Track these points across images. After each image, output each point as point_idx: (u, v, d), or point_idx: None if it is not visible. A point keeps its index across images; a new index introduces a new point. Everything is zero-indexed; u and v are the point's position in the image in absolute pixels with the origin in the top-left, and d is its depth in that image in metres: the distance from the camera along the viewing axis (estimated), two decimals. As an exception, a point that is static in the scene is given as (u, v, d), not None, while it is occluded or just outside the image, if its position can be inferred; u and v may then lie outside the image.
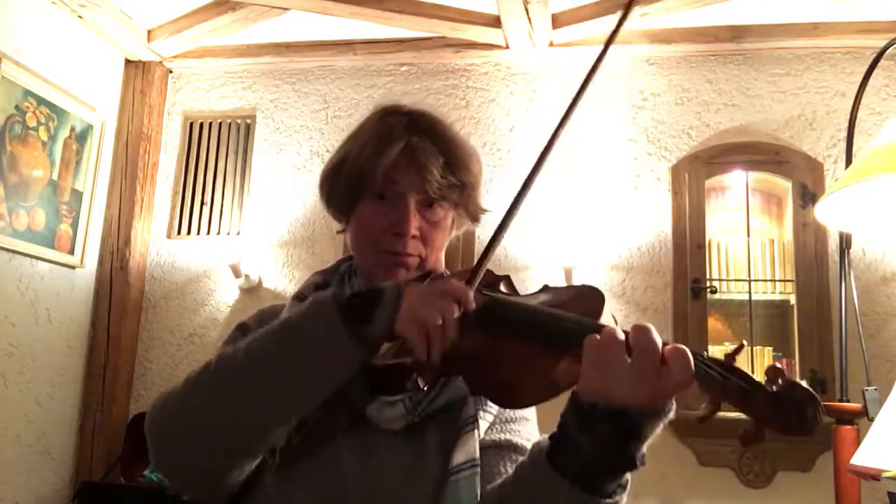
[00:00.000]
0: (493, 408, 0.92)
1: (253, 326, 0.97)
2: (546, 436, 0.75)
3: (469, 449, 0.85)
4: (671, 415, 0.68)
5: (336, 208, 1.02)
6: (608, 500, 0.69)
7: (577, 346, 0.69)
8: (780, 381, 0.63)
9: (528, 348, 0.77)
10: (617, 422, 0.66)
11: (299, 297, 0.98)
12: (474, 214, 1.03)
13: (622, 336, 0.68)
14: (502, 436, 0.90)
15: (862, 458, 1.53)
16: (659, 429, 0.68)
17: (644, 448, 0.69)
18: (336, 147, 1.03)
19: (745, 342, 0.72)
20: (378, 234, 0.95)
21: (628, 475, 0.71)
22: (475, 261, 0.88)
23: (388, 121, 0.98)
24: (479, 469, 0.84)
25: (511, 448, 0.90)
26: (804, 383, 0.63)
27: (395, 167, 0.94)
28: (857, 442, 1.75)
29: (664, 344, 0.67)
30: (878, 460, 1.48)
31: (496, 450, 0.88)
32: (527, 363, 0.77)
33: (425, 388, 0.82)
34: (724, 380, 0.65)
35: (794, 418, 0.62)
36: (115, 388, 3.10)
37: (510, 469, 0.86)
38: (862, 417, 1.91)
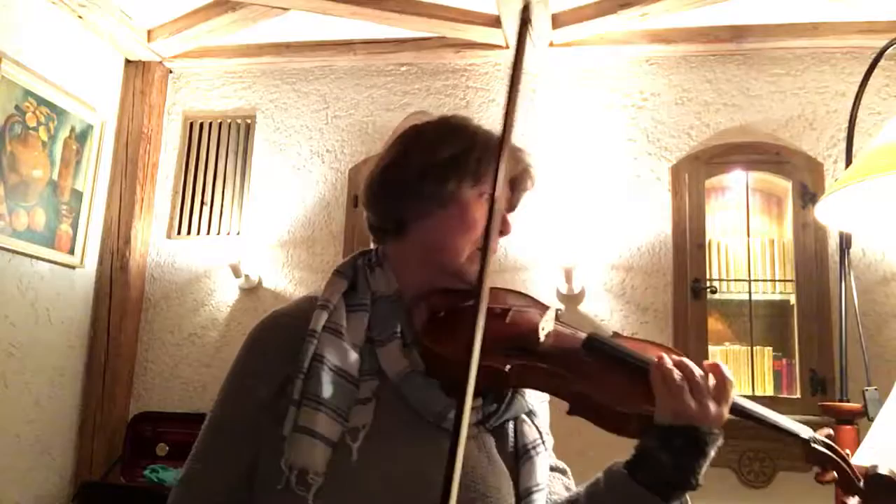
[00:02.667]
0: (543, 429, 1.00)
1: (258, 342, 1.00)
2: (616, 461, 0.88)
3: (543, 470, 0.95)
4: (720, 440, 0.83)
5: (429, 192, 0.99)
6: None
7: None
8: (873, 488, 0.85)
9: (621, 381, 0.89)
10: (689, 437, 0.81)
11: (324, 305, 0.94)
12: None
13: (672, 362, 0.85)
14: (552, 461, 1.01)
15: (862, 458, 1.53)
16: (714, 451, 0.82)
17: (703, 470, 0.82)
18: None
19: (831, 431, 0.92)
20: (481, 232, 0.99)
21: (688, 497, 0.85)
22: None
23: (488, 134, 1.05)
24: (546, 489, 0.95)
25: (561, 471, 1.03)
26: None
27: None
28: (857, 442, 1.75)
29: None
30: (878, 460, 1.48)
31: (552, 472, 0.99)
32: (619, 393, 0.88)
33: (493, 401, 0.93)
34: (835, 460, 0.88)
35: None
36: (115, 388, 3.10)
37: (562, 490, 1.00)
38: (862, 417, 1.91)
